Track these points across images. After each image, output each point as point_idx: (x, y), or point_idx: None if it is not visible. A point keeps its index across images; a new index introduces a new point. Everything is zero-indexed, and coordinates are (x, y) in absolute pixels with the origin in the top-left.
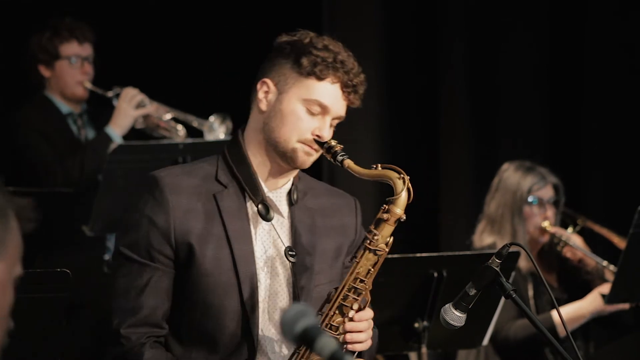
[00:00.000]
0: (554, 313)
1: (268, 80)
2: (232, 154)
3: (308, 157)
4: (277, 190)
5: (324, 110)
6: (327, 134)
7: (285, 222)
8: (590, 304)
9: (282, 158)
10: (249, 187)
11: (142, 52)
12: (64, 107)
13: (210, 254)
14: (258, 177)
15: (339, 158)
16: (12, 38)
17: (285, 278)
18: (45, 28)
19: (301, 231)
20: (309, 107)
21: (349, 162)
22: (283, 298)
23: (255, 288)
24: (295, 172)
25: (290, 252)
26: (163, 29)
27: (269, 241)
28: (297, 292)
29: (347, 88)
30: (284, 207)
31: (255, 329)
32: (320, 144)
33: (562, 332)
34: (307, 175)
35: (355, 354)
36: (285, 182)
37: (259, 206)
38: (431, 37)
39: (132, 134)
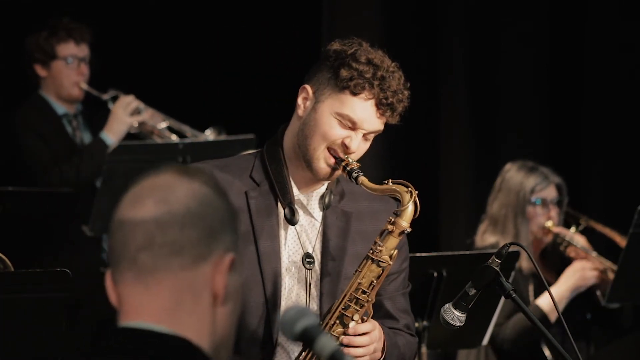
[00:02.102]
0: (540, 302)
1: (308, 87)
2: (269, 153)
3: (330, 169)
4: (310, 193)
5: (355, 125)
6: (355, 147)
7: (317, 225)
8: (565, 282)
9: (308, 167)
10: (279, 189)
11: (140, 53)
12: (59, 107)
13: None
14: (290, 179)
15: (354, 175)
16: (10, 38)
17: (310, 282)
18: (43, 27)
19: (331, 235)
20: (340, 120)
21: (363, 179)
22: (305, 301)
23: (279, 286)
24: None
25: (308, 259)
26: (162, 30)
27: (296, 243)
28: (322, 297)
29: (382, 106)
30: (316, 209)
31: (276, 327)
32: (339, 161)
33: (552, 318)
34: (349, 179)
35: None
36: (319, 186)
37: (285, 210)
38: (431, 38)
39: (127, 135)
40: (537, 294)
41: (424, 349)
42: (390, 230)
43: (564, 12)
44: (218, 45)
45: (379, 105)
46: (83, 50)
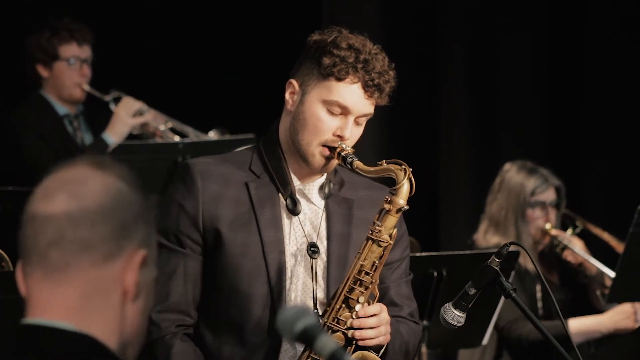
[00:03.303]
0: (571, 322)
1: (294, 81)
2: (266, 147)
3: (327, 161)
4: (311, 183)
5: (345, 110)
6: (348, 134)
7: (320, 212)
8: (612, 318)
9: (303, 161)
10: (279, 181)
11: (142, 54)
12: (61, 108)
13: (238, 240)
14: (289, 171)
15: (349, 160)
16: (10, 38)
17: (316, 269)
18: (45, 28)
19: (335, 222)
20: (329, 108)
21: (357, 163)
22: (312, 289)
23: (283, 275)
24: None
25: (312, 248)
26: (163, 31)
27: (301, 233)
28: (329, 284)
29: (369, 88)
30: (317, 198)
31: None
32: (332, 149)
33: (575, 340)
34: (346, 170)
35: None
36: (318, 177)
37: (287, 200)
38: (431, 37)
39: (129, 136)
40: (544, 293)
41: (424, 349)
42: (387, 209)
43: (564, 12)
44: (218, 45)
45: (365, 87)
46: (85, 52)
